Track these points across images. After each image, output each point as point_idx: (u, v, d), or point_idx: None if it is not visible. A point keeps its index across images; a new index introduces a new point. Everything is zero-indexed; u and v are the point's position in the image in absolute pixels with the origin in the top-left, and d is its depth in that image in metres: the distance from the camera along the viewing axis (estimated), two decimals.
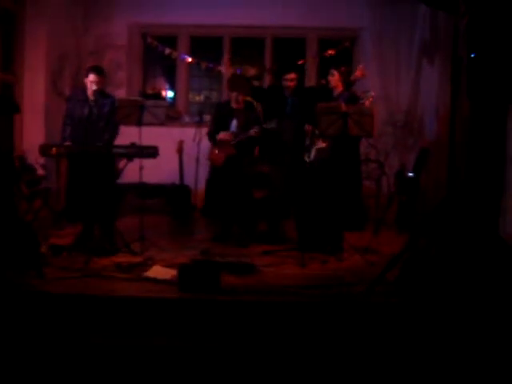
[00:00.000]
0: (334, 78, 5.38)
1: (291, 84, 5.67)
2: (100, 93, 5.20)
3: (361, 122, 4.74)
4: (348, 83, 5.47)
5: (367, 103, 5.06)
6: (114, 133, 5.29)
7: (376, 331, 3.66)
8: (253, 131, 5.50)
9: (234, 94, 5.70)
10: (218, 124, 5.76)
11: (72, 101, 5.29)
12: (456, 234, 4.34)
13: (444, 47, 6.69)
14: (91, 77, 5.15)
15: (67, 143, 5.14)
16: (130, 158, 5.24)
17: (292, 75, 5.69)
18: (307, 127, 5.31)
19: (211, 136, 5.79)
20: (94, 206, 5.12)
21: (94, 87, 5.16)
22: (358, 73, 5.33)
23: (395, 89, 7.27)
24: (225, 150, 5.64)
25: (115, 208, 5.36)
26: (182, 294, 4.00)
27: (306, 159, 5.30)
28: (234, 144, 5.60)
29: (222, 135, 5.65)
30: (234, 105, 5.72)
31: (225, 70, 7.73)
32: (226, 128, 5.68)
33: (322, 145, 5.21)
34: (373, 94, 5.08)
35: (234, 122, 5.67)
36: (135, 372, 3.28)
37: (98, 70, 5.23)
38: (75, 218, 5.33)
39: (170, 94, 8.16)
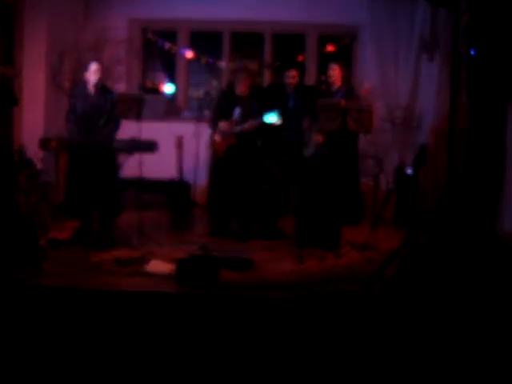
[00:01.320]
0: (335, 73, 5.38)
1: (293, 81, 5.68)
2: (101, 87, 5.22)
3: (360, 118, 4.75)
4: (350, 90, 5.48)
5: (363, 93, 5.08)
6: (116, 127, 5.30)
7: (374, 328, 3.67)
8: (247, 125, 5.50)
9: (238, 73, 5.70)
10: (221, 111, 5.73)
11: (74, 96, 5.30)
12: (454, 231, 4.36)
13: (444, 44, 6.70)
14: (93, 65, 5.16)
15: (78, 137, 5.14)
16: (128, 152, 5.24)
17: (293, 72, 5.69)
18: (306, 122, 5.32)
19: (212, 122, 5.78)
20: (93, 201, 5.12)
21: (96, 77, 5.15)
22: (364, 91, 5.30)
23: (394, 86, 7.26)
24: (226, 139, 5.64)
25: (117, 202, 5.36)
26: (181, 289, 4.01)
27: (305, 153, 5.31)
28: (235, 134, 5.60)
29: (222, 125, 5.64)
30: (238, 91, 5.69)
31: (224, 65, 7.72)
32: (229, 116, 5.66)
33: (319, 139, 5.22)
34: (367, 85, 5.09)
35: (238, 110, 5.65)
36: (133, 366, 3.29)
37: (97, 61, 5.29)
38: (74, 212, 5.33)
39: (169, 88, 8.14)
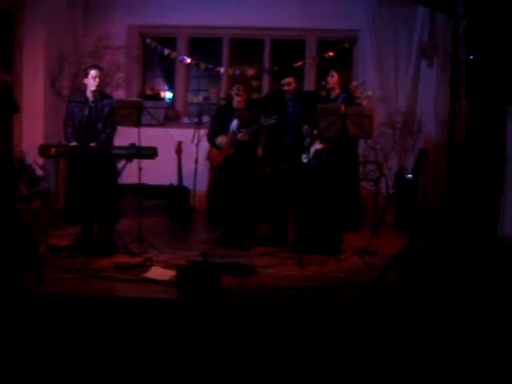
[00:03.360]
0: (334, 80, 5.38)
1: (289, 88, 5.67)
2: (100, 93, 5.22)
3: (360, 123, 4.74)
4: (350, 95, 5.47)
5: (364, 102, 5.07)
6: (111, 133, 5.28)
7: (375, 333, 3.66)
8: (240, 135, 5.51)
9: (235, 87, 5.71)
10: (218, 125, 5.77)
11: (72, 102, 5.28)
12: (455, 235, 4.35)
13: (443, 49, 6.72)
14: (92, 72, 5.14)
15: (73, 144, 5.13)
16: (128, 158, 5.23)
17: (289, 79, 5.68)
18: (306, 128, 5.32)
19: (210, 138, 5.81)
20: (93, 207, 5.11)
21: (95, 84, 5.13)
22: (354, 88, 5.25)
23: (394, 90, 7.29)
24: (224, 152, 5.66)
25: (116, 209, 5.34)
26: (181, 295, 3.99)
27: (304, 160, 5.30)
28: (232, 143, 5.61)
29: (220, 140, 5.67)
30: (235, 104, 5.72)
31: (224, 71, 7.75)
32: (226, 129, 5.68)
33: (319, 146, 5.21)
34: (370, 93, 5.09)
35: (235, 122, 5.67)
36: (134, 373, 3.28)
37: (97, 66, 5.27)
38: (74, 218, 5.32)
39: (168, 94, 8.16)
